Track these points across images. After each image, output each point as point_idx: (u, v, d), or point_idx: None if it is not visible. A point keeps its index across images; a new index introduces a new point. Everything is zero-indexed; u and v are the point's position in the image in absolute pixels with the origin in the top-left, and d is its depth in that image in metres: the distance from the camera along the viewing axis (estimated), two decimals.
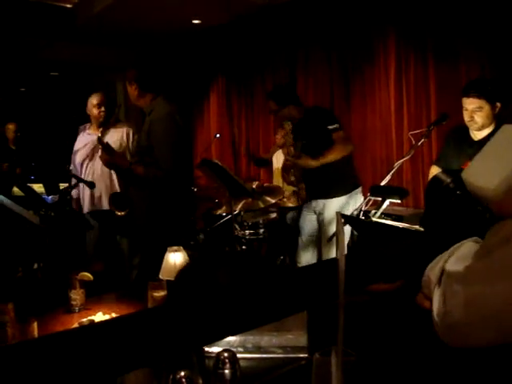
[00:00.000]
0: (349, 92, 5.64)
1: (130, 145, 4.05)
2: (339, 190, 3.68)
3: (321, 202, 3.73)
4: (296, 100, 3.88)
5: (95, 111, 4.06)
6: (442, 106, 4.55)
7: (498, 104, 2.99)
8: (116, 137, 4.01)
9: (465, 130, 3.12)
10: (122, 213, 3.50)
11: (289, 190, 4.87)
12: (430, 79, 4.80)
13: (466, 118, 3.00)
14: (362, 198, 3.63)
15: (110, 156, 3.44)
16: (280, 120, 4.03)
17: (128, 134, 4.08)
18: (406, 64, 5.03)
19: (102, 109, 4.05)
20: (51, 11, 6.59)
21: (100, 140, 3.61)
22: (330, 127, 3.61)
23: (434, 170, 3.28)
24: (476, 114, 2.97)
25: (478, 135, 3.05)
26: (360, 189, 3.77)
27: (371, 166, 5.41)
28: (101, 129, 4.05)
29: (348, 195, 3.68)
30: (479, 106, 2.96)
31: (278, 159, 5.49)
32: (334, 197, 3.67)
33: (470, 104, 2.98)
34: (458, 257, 1.15)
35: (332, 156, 3.58)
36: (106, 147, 3.50)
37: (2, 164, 5.86)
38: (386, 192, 2.75)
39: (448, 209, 1.50)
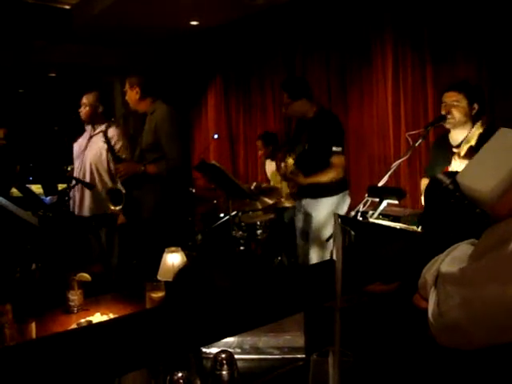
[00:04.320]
0: (346, 93, 5.65)
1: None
2: (328, 191, 3.69)
3: (309, 201, 3.75)
4: (309, 94, 3.75)
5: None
6: (439, 107, 4.55)
7: (476, 106, 3.01)
8: (100, 141, 3.93)
9: (446, 137, 3.15)
10: (117, 208, 3.55)
11: (286, 190, 4.88)
12: (428, 80, 4.81)
13: (443, 112, 3.03)
14: (349, 200, 3.68)
15: (122, 164, 3.59)
16: (290, 115, 3.93)
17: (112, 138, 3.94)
18: (403, 64, 5.04)
19: (82, 109, 4.06)
20: (49, 12, 6.59)
21: (107, 139, 3.68)
22: (334, 149, 3.56)
23: (425, 182, 3.31)
24: (454, 108, 2.99)
25: (456, 140, 3.08)
26: (347, 192, 3.79)
27: (368, 166, 5.42)
28: (89, 128, 4.06)
29: (336, 196, 3.69)
30: (457, 99, 2.99)
31: (272, 164, 5.54)
32: (322, 197, 3.69)
33: (449, 97, 3.01)
34: (453, 258, 1.16)
35: (323, 179, 3.59)
36: (113, 153, 3.61)
37: (10, 167, 5.84)
38: (383, 193, 2.75)
39: (447, 210, 1.50)
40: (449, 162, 2.98)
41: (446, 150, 3.11)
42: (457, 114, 3.00)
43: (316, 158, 3.62)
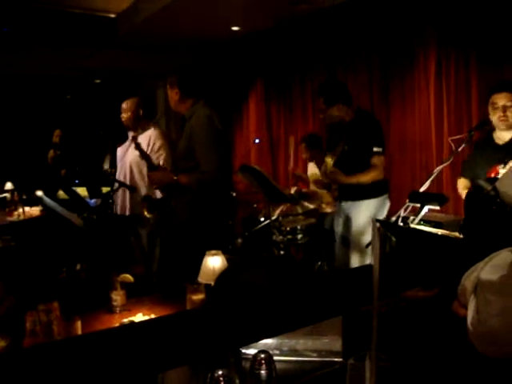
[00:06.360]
0: (388, 97, 5.60)
1: (151, 150, 4.00)
2: (368, 193, 3.68)
3: (350, 204, 3.75)
4: (346, 98, 3.73)
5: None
6: (483, 111, 4.46)
7: None
8: (143, 143, 3.97)
9: (488, 136, 3.10)
10: (151, 215, 3.59)
11: (328, 199, 4.87)
12: (472, 83, 4.71)
13: (498, 113, 3.00)
14: (389, 204, 3.66)
15: (155, 173, 3.55)
16: (328, 121, 3.90)
17: (149, 140, 4.03)
18: (446, 68, 4.95)
19: (123, 115, 4.14)
20: (95, 21, 6.80)
21: (138, 147, 3.71)
22: (375, 149, 3.57)
23: (463, 182, 3.26)
24: (508, 110, 2.95)
25: (502, 139, 3.03)
26: (387, 195, 3.77)
27: (410, 171, 5.35)
28: (131, 133, 4.13)
29: (377, 199, 3.68)
30: (511, 100, 2.97)
31: (314, 168, 5.55)
32: (363, 199, 3.67)
33: (503, 99, 2.99)
34: (493, 266, 1.15)
35: (364, 179, 3.60)
36: (147, 159, 3.62)
37: (61, 170, 6.10)
38: (424, 198, 2.73)
39: (488, 216, 1.48)
40: (492, 162, 2.94)
41: (490, 150, 3.07)
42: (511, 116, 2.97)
43: (356, 159, 3.62)
